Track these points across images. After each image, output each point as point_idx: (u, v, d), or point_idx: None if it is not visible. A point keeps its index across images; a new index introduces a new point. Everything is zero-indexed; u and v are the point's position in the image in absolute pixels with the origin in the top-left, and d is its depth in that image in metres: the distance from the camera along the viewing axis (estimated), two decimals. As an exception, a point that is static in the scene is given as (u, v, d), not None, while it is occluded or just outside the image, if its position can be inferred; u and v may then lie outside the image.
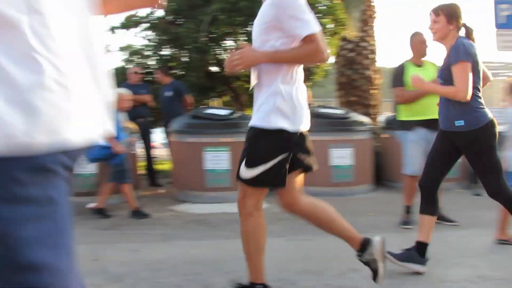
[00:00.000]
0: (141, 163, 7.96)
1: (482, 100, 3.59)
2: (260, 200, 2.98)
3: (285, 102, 2.84)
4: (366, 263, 3.09)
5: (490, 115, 3.55)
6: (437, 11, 3.62)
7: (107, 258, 4.16)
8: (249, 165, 2.87)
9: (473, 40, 3.62)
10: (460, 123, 3.51)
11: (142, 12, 9.69)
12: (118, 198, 6.35)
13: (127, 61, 10.10)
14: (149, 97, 7.94)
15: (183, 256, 4.17)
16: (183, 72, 9.50)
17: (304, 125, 2.95)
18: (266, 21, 2.88)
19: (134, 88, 7.62)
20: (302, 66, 3.00)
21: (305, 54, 2.87)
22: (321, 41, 2.80)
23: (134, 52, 10.10)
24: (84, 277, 1.15)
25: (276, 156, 2.84)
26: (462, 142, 3.57)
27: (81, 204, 6.22)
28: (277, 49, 2.85)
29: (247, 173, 2.88)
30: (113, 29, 9.46)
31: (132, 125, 6.85)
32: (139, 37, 10.10)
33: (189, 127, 6.77)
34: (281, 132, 2.83)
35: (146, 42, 10.13)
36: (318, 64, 2.61)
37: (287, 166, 2.89)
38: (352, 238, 3.08)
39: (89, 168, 6.32)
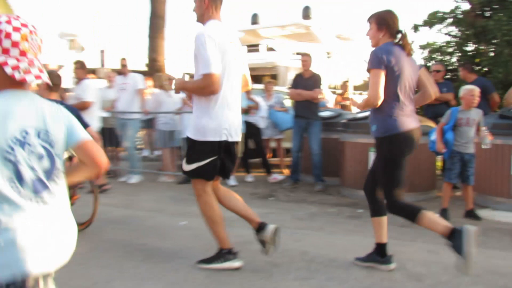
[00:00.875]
0: (439, 163, 7.67)
1: (402, 109, 3.44)
2: (204, 186, 3.69)
3: (211, 121, 3.56)
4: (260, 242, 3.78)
5: (407, 126, 3.43)
6: (369, 19, 3.63)
7: (404, 255, 4.13)
8: (187, 162, 3.70)
9: (405, 47, 3.49)
10: (373, 128, 3.55)
11: (447, 7, 9.36)
12: (415, 196, 6.30)
13: (428, 59, 9.86)
14: (451, 95, 7.56)
15: (485, 265, 3.84)
16: (489, 68, 8.76)
17: (229, 136, 3.65)
18: (193, 56, 3.58)
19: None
20: (234, 91, 3.69)
21: (197, 87, 3.60)
22: (210, 80, 3.42)
23: (435, 50, 9.80)
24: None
25: (206, 158, 3.60)
26: (376, 148, 3.62)
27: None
28: (187, 81, 3.69)
29: (186, 167, 3.72)
30: (416, 27, 9.38)
31: (432, 123, 6.65)
32: (442, 34, 9.77)
33: (496, 128, 6.17)
34: (208, 142, 3.59)
35: (448, 39, 9.72)
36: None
37: (216, 165, 3.66)
38: (251, 219, 3.83)
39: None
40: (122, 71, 8.27)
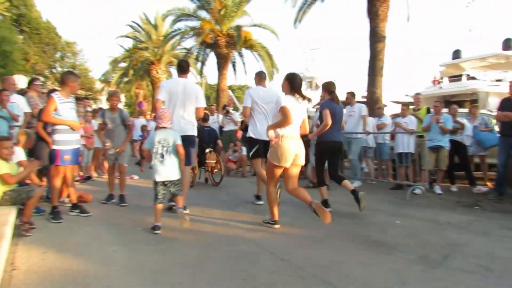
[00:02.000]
0: None
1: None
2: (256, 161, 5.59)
3: (251, 127, 5.50)
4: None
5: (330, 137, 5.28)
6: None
7: None
8: (247, 151, 5.72)
9: (336, 101, 5.37)
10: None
11: None
12: None
13: None
14: None
15: None
16: None
17: (262, 136, 5.34)
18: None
19: None
20: (261, 112, 5.47)
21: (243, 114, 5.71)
22: (244, 113, 5.58)
23: None
24: None
25: (253, 147, 5.49)
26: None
27: None
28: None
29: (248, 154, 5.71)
30: None
31: None
32: None
33: None
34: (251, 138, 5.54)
35: None
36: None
37: (258, 152, 5.46)
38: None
39: None
40: (349, 102, 8.11)
